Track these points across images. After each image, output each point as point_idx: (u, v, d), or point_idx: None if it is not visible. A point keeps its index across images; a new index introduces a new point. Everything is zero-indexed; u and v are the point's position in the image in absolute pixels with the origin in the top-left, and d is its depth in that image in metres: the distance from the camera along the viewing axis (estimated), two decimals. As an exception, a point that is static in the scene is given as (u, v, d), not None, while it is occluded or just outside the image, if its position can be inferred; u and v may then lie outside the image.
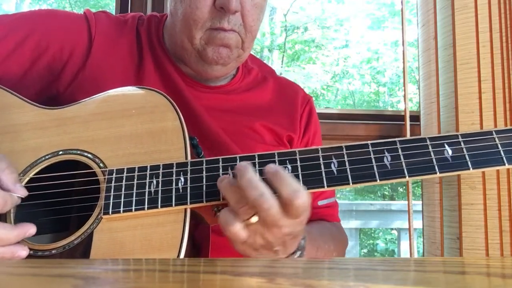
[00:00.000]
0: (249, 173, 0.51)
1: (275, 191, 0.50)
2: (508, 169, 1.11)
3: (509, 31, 1.14)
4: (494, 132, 0.54)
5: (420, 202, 1.32)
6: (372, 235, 5.32)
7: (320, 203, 0.85)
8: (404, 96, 1.35)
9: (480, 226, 1.10)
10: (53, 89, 0.75)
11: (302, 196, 0.50)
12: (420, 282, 0.30)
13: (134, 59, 0.78)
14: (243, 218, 0.51)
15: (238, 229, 0.52)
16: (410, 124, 1.31)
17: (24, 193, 0.55)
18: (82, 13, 0.80)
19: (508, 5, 1.15)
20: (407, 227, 1.32)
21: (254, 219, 0.51)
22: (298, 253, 0.59)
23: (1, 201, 0.52)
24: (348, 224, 2.69)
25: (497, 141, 0.54)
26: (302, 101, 0.89)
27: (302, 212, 0.51)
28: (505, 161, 0.53)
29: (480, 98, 1.13)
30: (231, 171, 0.56)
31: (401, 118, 1.36)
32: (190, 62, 0.77)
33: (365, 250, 5.18)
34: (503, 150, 0.53)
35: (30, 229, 0.54)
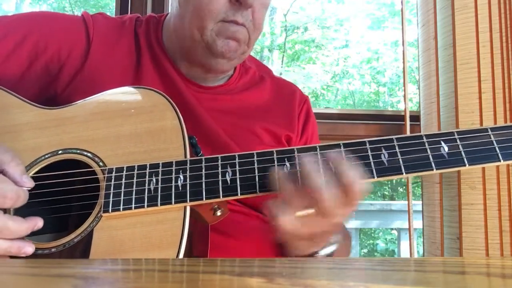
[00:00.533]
0: (310, 163, 0.53)
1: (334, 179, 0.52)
2: (508, 169, 1.11)
3: (509, 31, 1.14)
4: (489, 129, 0.55)
5: (420, 202, 1.32)
6: (372, 235, 5.32)
7: None
8: (404, 96, 1.35)
9: (480, 226, 1.10)
10: (51, 90, 0.75)
11: (362, 182, 0.52)
12: (420, 282, 0.30)
13: (132, 60, 0.78)
14: (297, 210, 0.53)
15: (288, 220, 0.53)
16: (410, 124, 1.31)
17: (31, 184, 0.54)
18: (80, 15, 0.81)
19: (508, 5, 1.15)
20: (407, 227, 1.32)
21: (309, 211, 0.52)
22: (334, 246, 0.62)
23: (15, 196, 0.52)
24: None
25: (492, 138, 0.55)
26: (299, 101, 0.89)
27: (359, 199, 0.53)
28: (500, 158, 0.54)
29: (480, 98, 1.13)
30: (288, 162, 0.57)
31: (401, 118, 1.36)
32: (197, 55, 0.77)
33: (365, 250, 5.18)
34: (498, 147, 0.54)
35: (38, 222, 0.54)
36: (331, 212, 0.52)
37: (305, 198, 0.52)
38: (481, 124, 1.12)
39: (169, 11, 0.83)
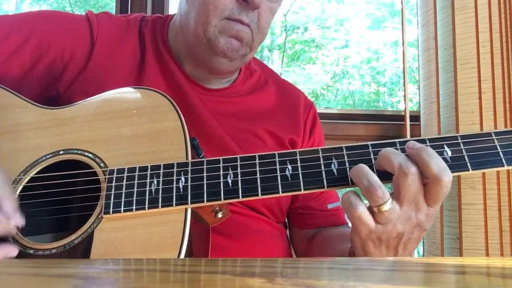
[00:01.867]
0: (389, 148, 0.51)
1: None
2: (508, 170, 1.11)
3: (509, 31, 1.14)
4: (493, 134, 0.55)
5: (420, 202, 1.31)
6: (372, 235, 5.31)
7: (330, 206, 0.86)
8: (404, 96, 1.35)
9: (480, 226, 1.10)
10: (53, 90, 0.75)
11: (449, 173, 0.50)
12: (420, 282, 0.30)
13: (137, 60, 0.78)
14: (377, 203, 0.50)
15: (363, 211, 0.50)
16: (410, 124, 1.31)
17: (21, 222, 0.54)
18: (84, 14, 0.80)
19: (508, 5, 1.15)
20: (407, 227, 1.32)
21: (387, 205, 0.50)
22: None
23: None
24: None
25: (496, 143, 0.54)
26: (304, 106, 0.89)
27: (443, 197, 0.51)
28: (504, 163, 0.53)
29: (480, 98, 1.13)
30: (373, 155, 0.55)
31: (401, 118, 1.36)
32: (199, 53, 0.76)
33: (365, 250, 5.17)
34: (502, 152, 0.54)
35: (10, 252, 0.53)
36: (415, 202, 0.50)
37: (385, 190, 0.50)
38: (481, 124, 1.12)
39: (172, 12, 0.83)
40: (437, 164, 0.49)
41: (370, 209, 0.51)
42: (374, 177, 0.50)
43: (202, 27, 0.73)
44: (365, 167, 0.52)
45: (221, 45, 0.72)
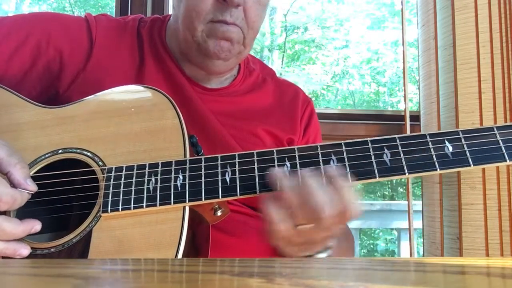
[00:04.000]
0: (313, 180, 0.52)
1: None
2: (508, 169, 1.11)
3: (509, 31, 1.14)
4: (495, 128, 0.54)
5: (420, 202, 1.32)
6: (372, 235, 5.32)
7: None
8: (404, 96, 1.35)
9: (480, 226, 1.10)
10: (53, 90, 0.75)
11: (358, 204, 0.52)
12: (420, 282, 0.30)
13: (135, 61, 0.78)
14: (298, 222, 0.52)
15: (285, 228, 0.52)
16: (410, 124, 1.31)
17: (34, 188, 0.54)
18: (83, 16, 0.81)
19: (508, 5, 1.15)
20: (407, 227, 1.32)
21: (309, 226, 0.52)
22: (328, 251, 0.61)
23: (10, 200, 0.52)
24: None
25: (498, 137, 0.53)
26: (302, 103, 0.89)
27: (354, 217, 0.53)
28: (506, 157, 0.53)
29: (480, 98, 1.13)
30: (289, 165, 0.56)
31: (401, 118, 1.36)
32: (192, 57, 0.77)
33: (365, 250, 5.18)
34: (504, 146, 0.53)
35: (36, 224, 0.54)
36: (329, 227, 0.52)
37: (307, 213, 0.52)
38: (481, 124, 1.12)
39: (172, 12, 0.83)
40: (349, 198, 0.52)
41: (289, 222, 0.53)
42: (303, 200, 0.52)
43: (190, 33, 0.73)
44: (279, 172, 0.54)
45: (211, 48, 0.72)
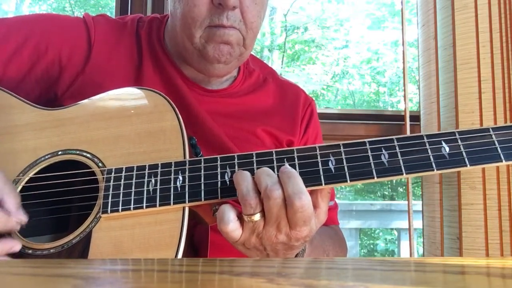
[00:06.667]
0: (266, 168, 0.53)
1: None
2: (508, 169, 1.11)
3: (509, 31, 1.14)
4: (491, 129, 0.55)
5: (420, 202, 1.32)
6: (372, 235, 5.32)
7: None
8: (404, 96, 1.35)
9: (480, 226, 1.10)
10: (52, 92, 0.75)
11: (304, 199, 0.50)
12: (420, 282, 0.30)
13: (134, 62, 0.78)
14: (247, 212, 0.52)
15: (232, 229, 0.52)
16: (410, 124, 1.31)
17: (24, 219, 0.54)
18: (82, 17, 0.80)
19: (508, 5, 1.15)
20: (407, 227, 1.32)
21: (257, 217, 0.52)
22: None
23: (3, 220, 0.52)
24: (348, 224, 2.69)
25: (494, 138, 0.54)
26: (303, 104, 0.88)
27: (300, 221, 0.51)
28: (502, 158, 0.53)
29: (480, 98, 1.13)
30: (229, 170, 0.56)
31: (401, 118, 1.36)
32: (193, 62, 0.76)
33: (365, 250, 5.18)
34: (500, 147, 0.54)
35: (14, 245, 0.54)
36: (276, 220, 0.52)
37: (258, 201, 0.52)
38: (481, 124, 1.12)
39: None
40: (292, 187, 0.51)
41: (240, 215, 0.53)
42: (253, 187, 0.52)
43: (188, 40, 0.73)
44: (249, 175, 0.53)
45: (210, 54, 0.72)
